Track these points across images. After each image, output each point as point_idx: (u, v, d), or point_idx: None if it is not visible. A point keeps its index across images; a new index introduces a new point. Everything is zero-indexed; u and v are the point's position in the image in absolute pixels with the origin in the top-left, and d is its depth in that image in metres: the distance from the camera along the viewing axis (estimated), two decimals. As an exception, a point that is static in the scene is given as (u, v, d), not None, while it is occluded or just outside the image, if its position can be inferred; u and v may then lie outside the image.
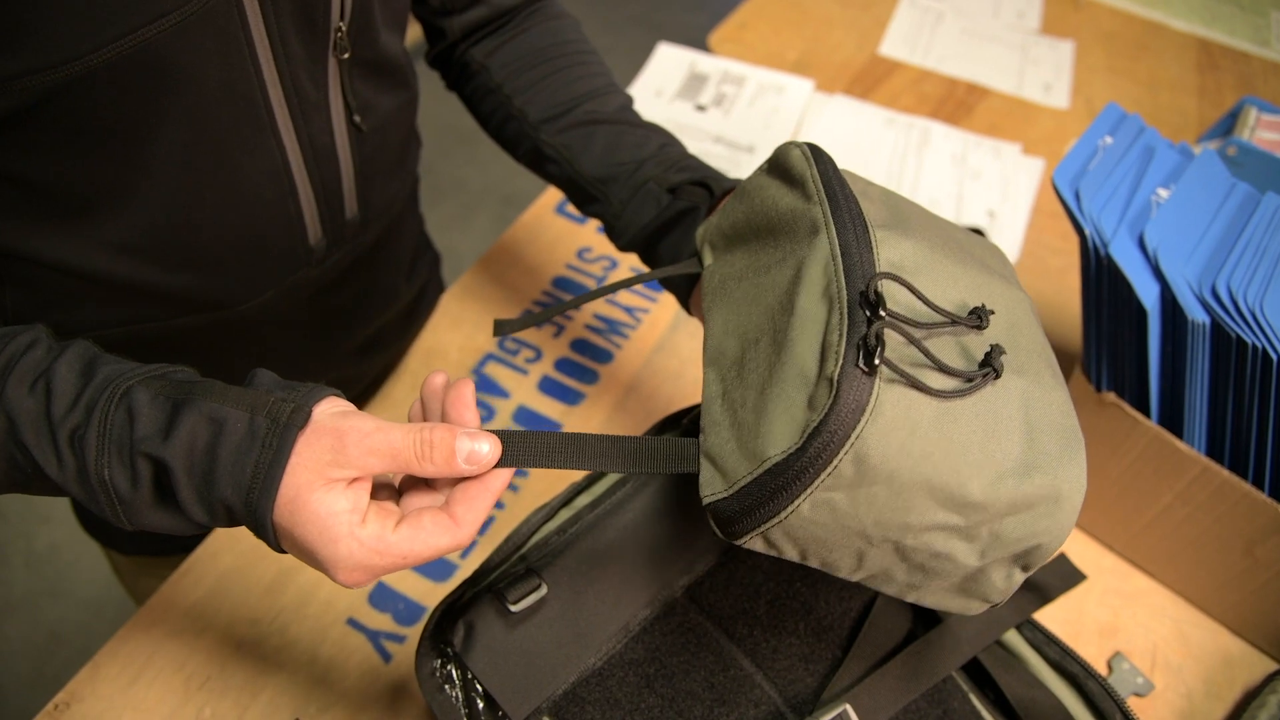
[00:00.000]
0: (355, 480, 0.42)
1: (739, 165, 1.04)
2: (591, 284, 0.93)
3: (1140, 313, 0.59)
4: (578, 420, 0.81)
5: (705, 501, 0.41)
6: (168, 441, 0.41)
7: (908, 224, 0.45)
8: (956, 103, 1.18)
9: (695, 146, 1.06)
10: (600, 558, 0.53)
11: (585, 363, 0.86)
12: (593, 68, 0.72)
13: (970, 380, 0.38)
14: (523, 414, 0.81)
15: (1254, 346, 0.56)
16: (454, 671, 0.51)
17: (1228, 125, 0.87)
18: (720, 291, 0.49)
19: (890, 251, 0.42)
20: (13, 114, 0.47)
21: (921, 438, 0.37)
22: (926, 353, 0.38)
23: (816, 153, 0.47)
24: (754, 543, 0.41)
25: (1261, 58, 1.28)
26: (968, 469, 0.38)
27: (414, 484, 0.46)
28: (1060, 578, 0.61)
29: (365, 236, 0.69)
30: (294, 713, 0.62)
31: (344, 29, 0.56)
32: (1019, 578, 0.42)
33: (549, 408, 0.82)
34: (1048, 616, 0.67)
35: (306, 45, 0.54)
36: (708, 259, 0.53)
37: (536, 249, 0.96)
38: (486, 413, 0.81)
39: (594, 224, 0.99)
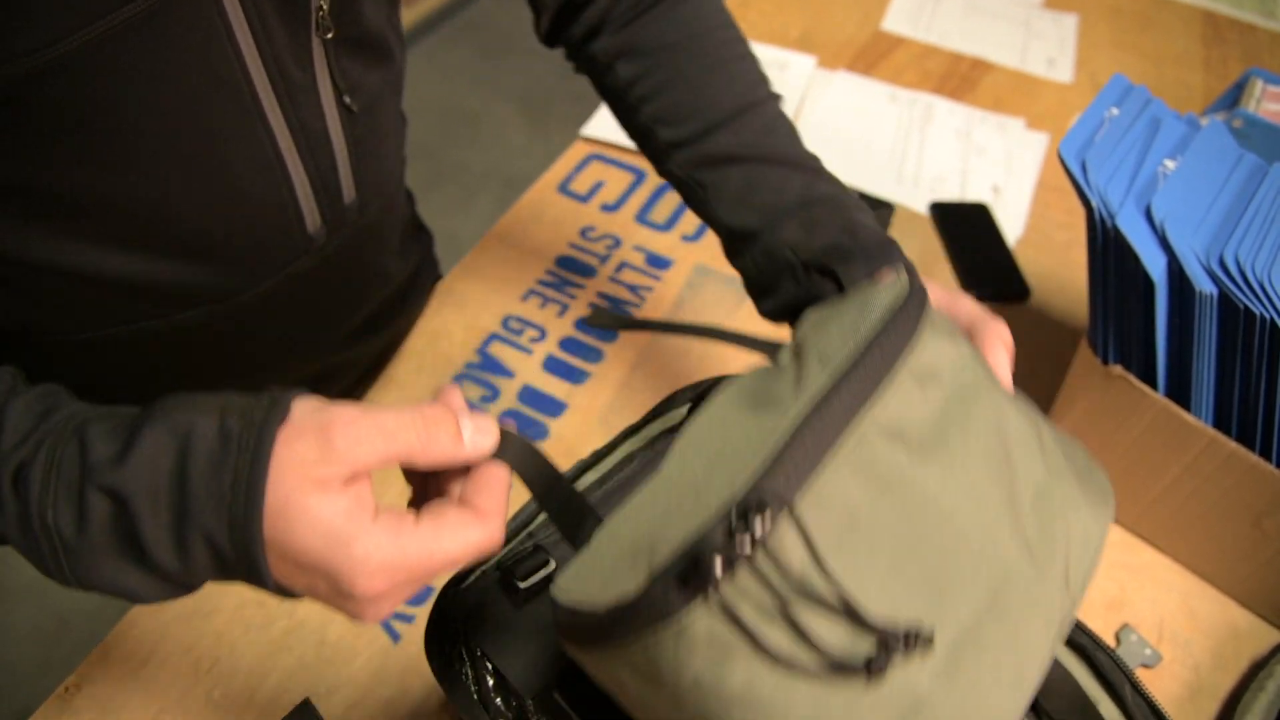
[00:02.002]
0: (350, 479, 0.36)
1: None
2: (595, 263, 0.92)
3: (1147, 284, 0.59)
4: (584, 398, 0.81)
5: (553, 593, 0.36)
6: (123, 464, 0.35)
7: (946, 443, 0.37)
8: (960, 78, 1.17)
9: (697, 124, 1.05)
10: (608, 535, 0.53)
11: (590, 341, 0.85)
12: (729, 70, 0.62)
13: (835, 667, 0.32)
14: (528, 393, 0.81)
15: (1262, 317, 0.56)
16: (464, 650, 0.51)
17: (1233, 97, 0.87)
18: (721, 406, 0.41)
19: (829, 483, 0.34)
20: None
21: (726, 694, 0.32)
22: (794, 624, 0.32)
23: (916, 288, 0.40)
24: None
25: (1267, 29, 1.27)
26: None
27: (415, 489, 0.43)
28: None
29: (364, 220, 0.68)
30: (304, 693, 0.62)
31: (325, 8, 0.54)
32: None
33: (555, 387, 0.82)
34: (1055, 590, 0.67)
35: (287, 26, 0.52)
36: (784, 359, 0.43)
37: (540, 228, 0.95)
38: (491, 393, 0.81)
39: (597, 203, 0.98)
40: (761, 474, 0.33)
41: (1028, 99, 1.15)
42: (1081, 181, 0.60)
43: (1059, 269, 0.92)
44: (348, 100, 0.59)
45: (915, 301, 0.40)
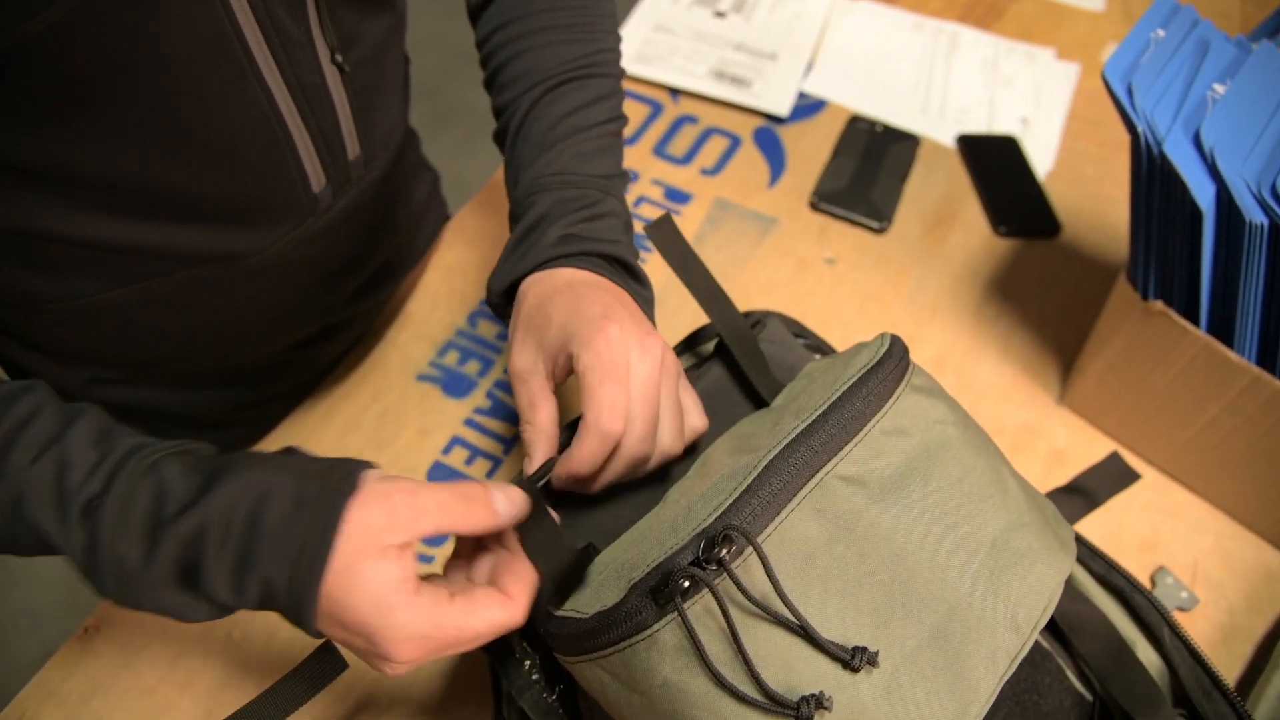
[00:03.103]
0: (404, 547, 0.40)
1: (761, 73, 1.00)
2: (612, 200, 0.90)
3: (1195, 214, 0.56)
4: (601, 339, 0.79)
5: (549, 609, 0.42)
6: (200, 503, 0.39)
7: (906, 491, 0.41)
8: (987, 6, 1.13)
9: (715, 55, 1.02)
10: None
11: (607, 280, 0.83)
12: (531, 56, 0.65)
13: (764, 707, 0.36)
14: (545, 333, 0.79)
15: (1315, 249, 0.53)
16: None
17: (1275, 24, 0.83)
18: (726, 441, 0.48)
19: (799, 522, 0.39)
20: None
21: (691, 696, 0.37)
22: (742, 651, 0.35)
23: (895, 351, 0.44)
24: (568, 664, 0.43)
25: (1308, -46, 1.22)
26: None
27: (452, 568, 0.46)
28: (1113, 479, 0.59)
29: (370, 174, 0.66)
30: (324, 634, 0.61)
31: None
32: None
33: (571, 326, 0.80)
34: (1087, 531, 0.66)
35: None
36: (778, 400, 0.51)
37: (554, 164, 0.93)
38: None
39: (613, 138, 0.95)
40: (727, 509, 0.38)
41: (1057, 28, 1.10)
42: (1127, 105, 0.58)
43: (1091, 203, 0.89)
44: (339, 59, 0.57)
45: (893, 364, 0.43)
